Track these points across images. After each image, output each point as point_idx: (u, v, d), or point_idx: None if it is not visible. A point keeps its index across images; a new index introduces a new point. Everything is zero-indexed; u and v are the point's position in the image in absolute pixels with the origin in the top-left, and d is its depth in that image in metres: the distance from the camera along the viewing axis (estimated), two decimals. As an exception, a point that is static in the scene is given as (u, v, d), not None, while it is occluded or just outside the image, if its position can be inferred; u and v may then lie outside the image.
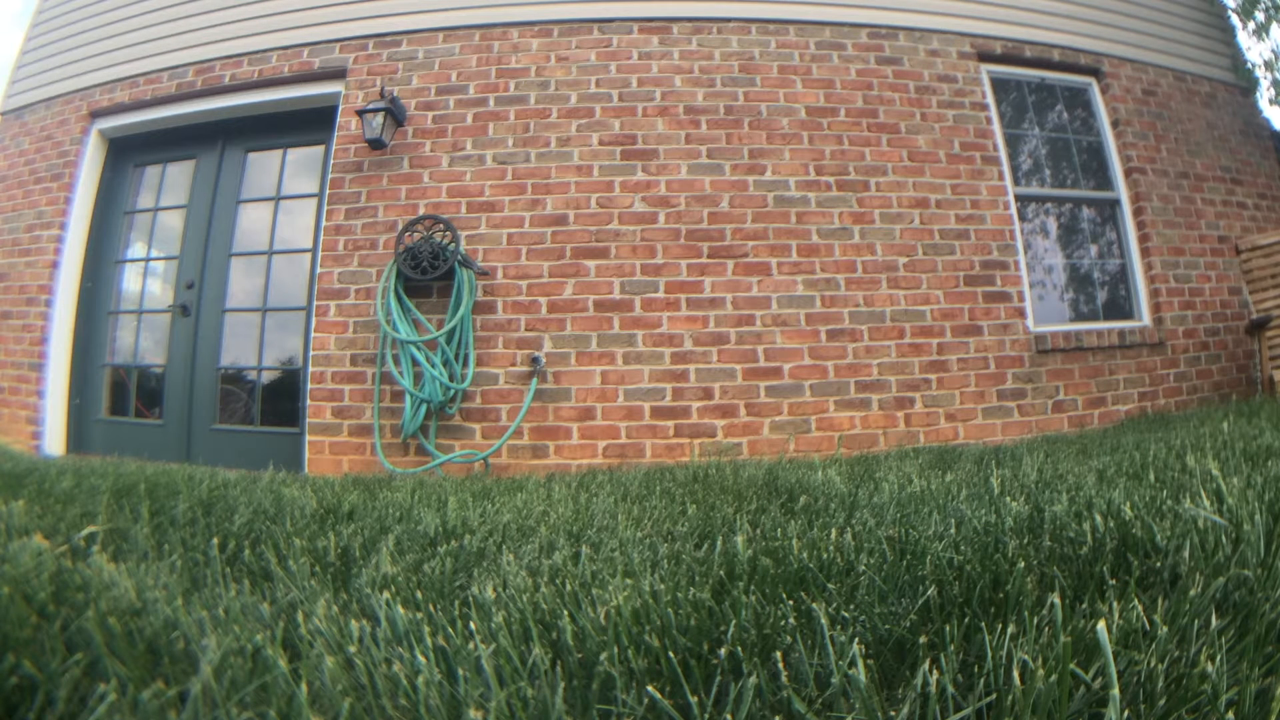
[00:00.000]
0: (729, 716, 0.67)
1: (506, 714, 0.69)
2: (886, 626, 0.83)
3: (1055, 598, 0.77)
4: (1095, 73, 4.60)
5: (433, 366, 3.45)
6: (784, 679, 0.72)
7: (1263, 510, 1.05)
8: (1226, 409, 3.41)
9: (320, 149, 4.29)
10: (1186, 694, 0.64)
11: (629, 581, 1.04)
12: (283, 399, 4.17)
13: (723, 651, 0.77)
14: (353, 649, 0.82)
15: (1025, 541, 1.10)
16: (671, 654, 0.77)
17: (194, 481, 2.15)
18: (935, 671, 0.67)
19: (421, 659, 0.77)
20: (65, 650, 0.81)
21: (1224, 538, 0.97)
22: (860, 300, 3.79)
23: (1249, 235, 4.48)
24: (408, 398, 3.47)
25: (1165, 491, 1.35)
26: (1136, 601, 0.81)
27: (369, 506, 1.87)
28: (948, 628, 0.77)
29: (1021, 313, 3.94)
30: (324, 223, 3.92)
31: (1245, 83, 5.15)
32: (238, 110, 4.36)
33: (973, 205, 4.03)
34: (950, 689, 0.66)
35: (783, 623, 0.84)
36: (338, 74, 4.16)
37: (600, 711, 0.70)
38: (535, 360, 3.61)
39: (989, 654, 0.71)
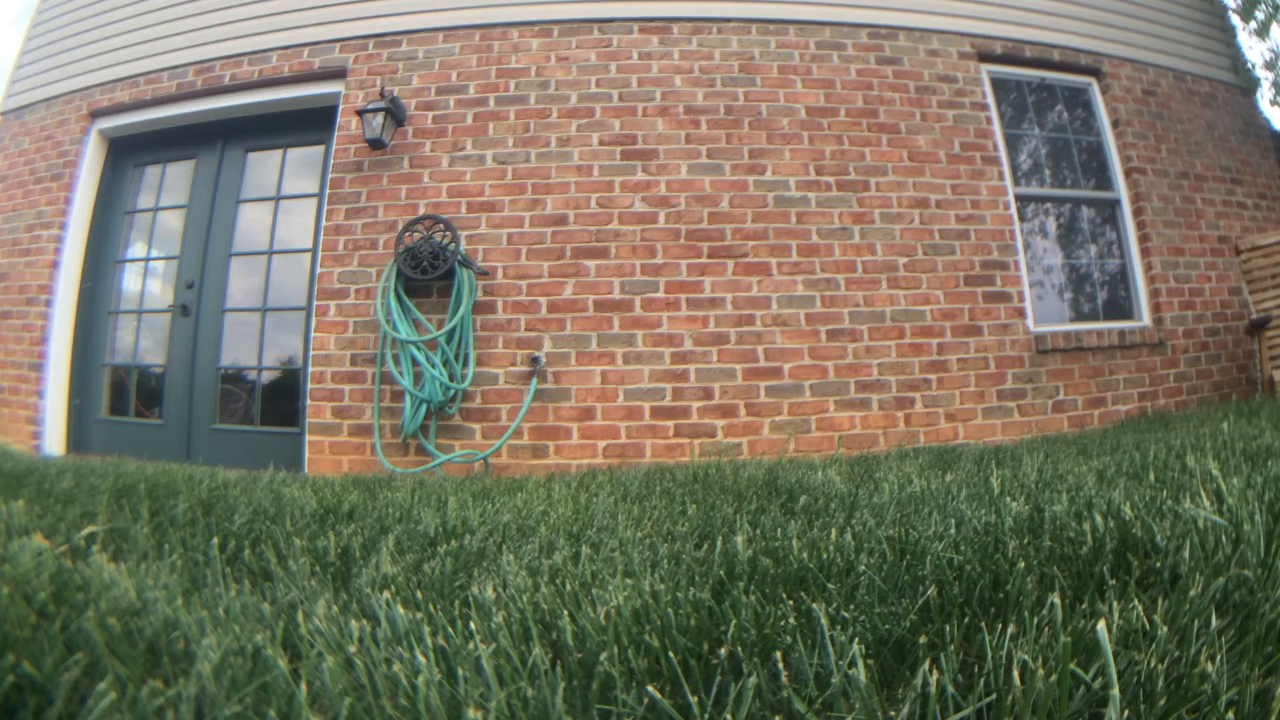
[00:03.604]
0: (729, 716, 0.67)
1: (506, 714, 0.69)
2: (886, 626, 0.83)
3: (1055, 598, 0.77)
4: (1095, 73, 4.60)
5: (433, 366, 3.45)
6: (784, 679, 0.72)
7: (1263, 510, 1.05)
8: (1226, 409, 3.41)
9: (320, 149, 4.29)
10: (1186, 694, 0.64)
11: (629, 581, 1.04)
12: (283, 399, 4.17)
13: (723, 651, 0.77)
14: (353, 649, 0.82)
15: (1025, 541, 1.10)
16: (671, 654, 0.77)
17: (194, 481, 2.15)
18: (935, 671, 0.67)
19: (421, 659, 0.77)
20: (65, 650, 0.81)
21: (1224, 538, 0.97)
22: (860, 300, 3.79)
23: (1249, 235, 4.48)
24: (408, 398, 3.47)
25: (1165, 491, 1.35)
26: (1136, 601, 0.81)
27: (369, 506, 1.87)
28: (948, 628, 0.77)
29: (1021, 313, 3.94)
30: (324, 223, 3.92)
31: (1245, 83, 5.15)
32: (238, 110, 4.36)
33: (973, 205, 4.03)
34: (950, 689, 0.66)
35: (783, 623, 0.84)
36: (338, 74, 4.16)
37: (600, 711, 0.70)
38: (535, 360, 3.61)
39: (989, 654, 0.71)
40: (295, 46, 4.25)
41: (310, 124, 4.29)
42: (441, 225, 3.71)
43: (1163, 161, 4.53)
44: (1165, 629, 0.73)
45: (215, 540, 1.32)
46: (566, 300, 3.70)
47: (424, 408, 3.49)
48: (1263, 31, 5.44)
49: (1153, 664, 0.67)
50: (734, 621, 0.84)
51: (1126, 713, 0.63)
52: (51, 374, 4.23)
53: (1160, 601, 0.82)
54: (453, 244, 3.65)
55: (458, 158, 3.91)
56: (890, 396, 3.70)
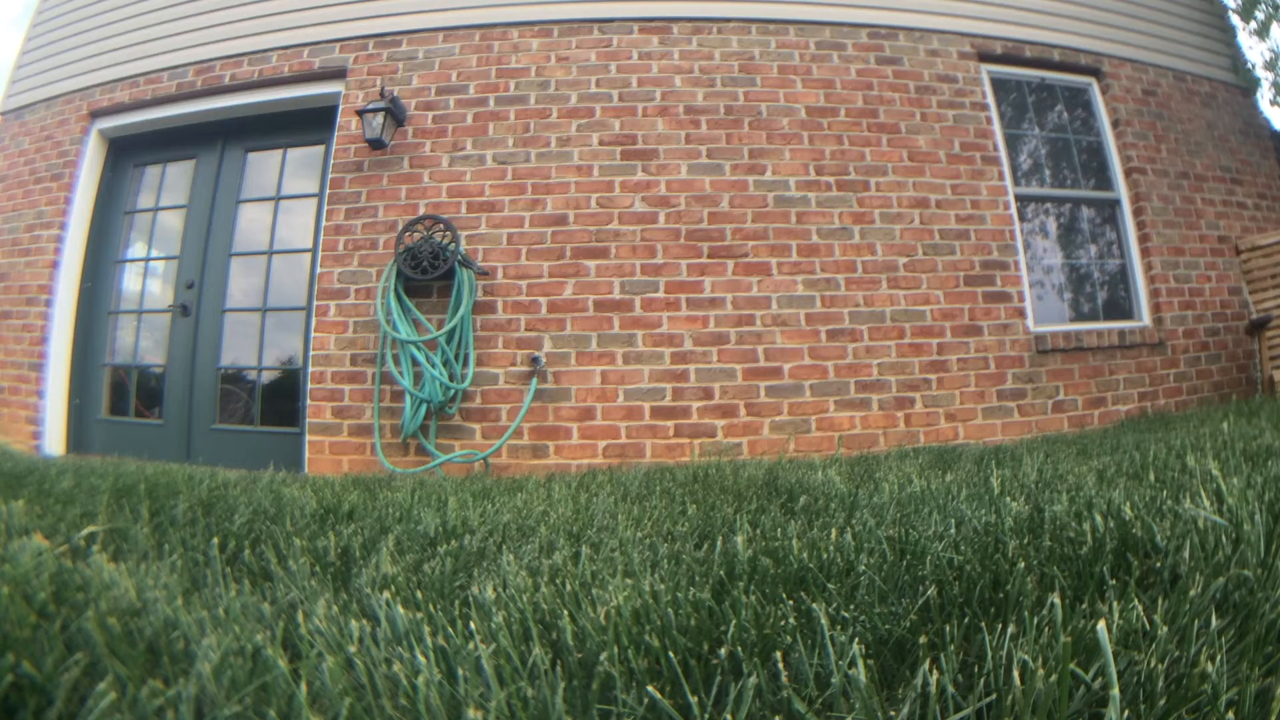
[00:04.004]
0: (729, 716, 0.67)
1: (506, 714, 0.69)
2: (886, 626, 0.83)
3: (1055, 598, 0.77)
4: (1095, 73, 4.60)
5: (433, 366, 3.45)
6: (784, 679, 0.72)
7: (1263, 510, 1.05)
8: (1226, 409, 3.41)
9: (320, 149, 4.29)
10: (1186, 694, 0.64)
11: (629, 581, 1.04)
12: (283, 399, 4.17)
13: (723, 651, 0.77)
14: (353, 649, 0.82)
15: (1025, 541, 1.10)
16: (671, 654, 0.77)
17: (194, 481, 2.15)
18: (935, 671, 0.67)
19: (421, 659, 0.77)
20: (65, 650, 0.81)
21: (1224, 538, 0.97)
22: (860, 300, 3.79)
23: (1249, 235, 4.48)
24: (408, 397, 3.47)
25: (1165, 491, 1.35)
26: (1136, 601, 0.81)
27: (369, 506, 1.87)
28: (948, 628, 0.77)
29: (1021, 313, 3.94)
30: (324, 223, 3.92)
31: (1245, 83, 5.15)
32: (238, 110, 4.36)
33: (973, 205, 4.03)
34: (950, 689, 0.66)
35: (783, 623, 0.84)
36: (338, 74, 4.16)
37: (600, 711, 0.70)
38: (535, 360, 3.61)
39: (989, 654, 0.71)
40: (295, 46, 4.25)
41: (310, 124, 4.29)
42: (441, 225, 3.71)
43: (1163, 161, 4.53)
44: (1165, 629, 0.73)
45: (215, 540, 1.32)
46: (566, 300, 3.70)
47: (424, 408, 3.49)
48: (1263, 31, 5.44)
49: (1153, 664, 0.67)
50: (734, 621, 0.84)
51: (1126, 713, 0.63)
52: (51, 374, 4.23)
53: (1160, 601, 0.82)
54: (453, 244, 3.65)
55: (458, 158, 3.91)
56: (890, 396, 3.70)
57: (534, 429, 3.57)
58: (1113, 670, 0.62)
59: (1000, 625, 0.78)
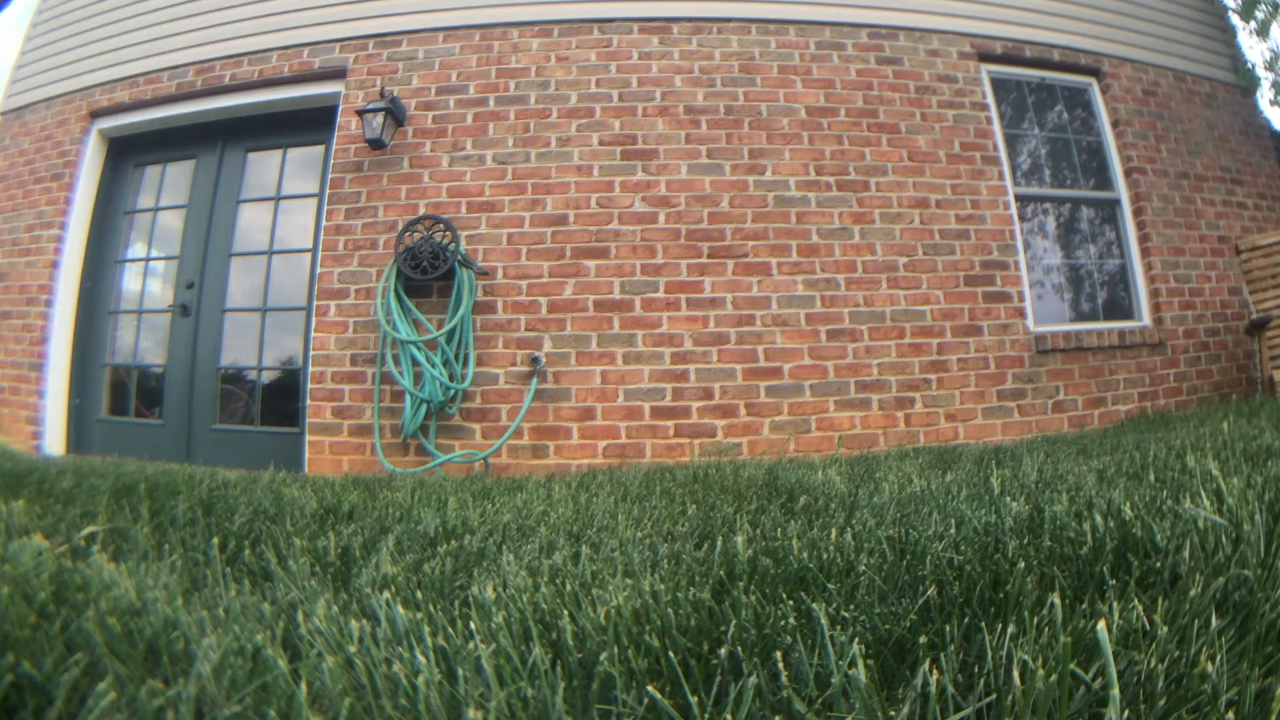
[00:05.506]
0: (729, 716, 0.67)
1: (506, 714, 0.69)
2: (886, 626, 0.83)
3: (1055, 598, 0.77)
4: (1095, 73, 4.60)
5: (433, 366, 3.45)
6: (784, 679, 0.72)
7: (1263, 510, 1.05)
8: (1226, 409, 3.41)
9: (320, 149, 4.29)
10: (1186, 694, 0.64)
11: (629, 581, 1.04)
12: (283, 399, 4.17)
13: (723, 651, 0.77)
14: (353, 649, 0.82)
15: (1025, 541, 1.10)
16: (671, 654, 0.77)
17: (194, 481, 2.15)
18: (935, 671, 0.67)
19: (421, 659, 0.77)
20: (65, 650, 0.81)
21: (1224, 538, 0.97)
22: (860, 300, 3.79)
23: (1249, 235, 4.48)
24: (408, 398, 3.47)
25: (1165, 491, 1.35)
26: (1136, 601, 0.81)
27: (369, 506, 1.87)
28: (948, 628, 0.77)
29: (1021, 313, 3.94)
30: (324, 223, 3.92)
31: (1245, 83, 5.15)
32: (238, 110, 4.36)
33: (973, 205, 4.03)
34: (950, 689, 0.66)
35: (783, 623, 0.84)
36: (338, 74, 4.16)
37: (600, 711, 0.70)
38: (535, 360, 3.61)
39: (989, 654, 0.71)
40: (295, 46, 4.25)
41: (310, 124, 4.29)
42: (441, 225, 3.71)
43: (1163, 161, 4.53)
44: (1165, 629, 0.73)
45: (215, 540, 1.32)
46: (566, 300, 3.70)
47: (424, 408, 3.49)
48: (1263, 31, 5.44)
49: (1153, 664, 0.67)
50: (734, 621, 0.84)
51: (1126, 713, 0.63)
52: (51, 374, 4.23)
53: (1160, 601, 0.82)
54: (453, 244, 3.65)
55: (458, 158, 3.91)
56: (890, 396, 3.70)
57: (534, 429, 3.57)
58: (1113, 670, 0.62)
59: (1000, 625, 0.78)
